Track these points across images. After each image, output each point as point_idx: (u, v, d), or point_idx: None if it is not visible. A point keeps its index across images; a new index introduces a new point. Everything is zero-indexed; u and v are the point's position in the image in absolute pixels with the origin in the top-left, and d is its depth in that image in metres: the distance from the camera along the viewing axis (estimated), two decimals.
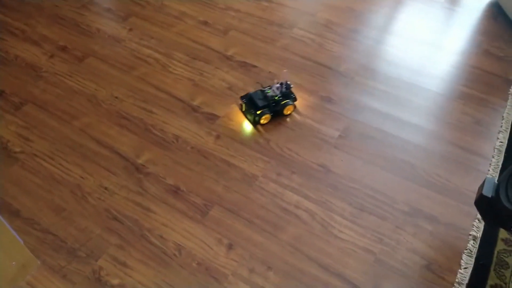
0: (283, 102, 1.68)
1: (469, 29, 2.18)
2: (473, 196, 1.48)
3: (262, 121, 1.67)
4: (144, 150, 1.58)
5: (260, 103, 1.65)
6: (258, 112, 1.65)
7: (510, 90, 1.87)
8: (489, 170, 1.58)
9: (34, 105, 1.72)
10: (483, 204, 1.19)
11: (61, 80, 1.82)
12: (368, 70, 1.93)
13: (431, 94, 1.84)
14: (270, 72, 1.89)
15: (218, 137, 1.64)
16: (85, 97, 1.75)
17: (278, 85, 1.69)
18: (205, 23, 2.12)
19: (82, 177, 1.49)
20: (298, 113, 1.73)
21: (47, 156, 1.55)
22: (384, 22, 2.18)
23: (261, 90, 1.70)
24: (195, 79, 1.85)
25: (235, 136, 1.64)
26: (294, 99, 1.72)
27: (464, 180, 1.54)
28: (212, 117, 1.70)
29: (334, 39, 2.07)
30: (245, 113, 1.71)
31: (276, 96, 1.67)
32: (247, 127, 1.68)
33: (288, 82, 1.70)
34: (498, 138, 1.68)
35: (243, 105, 1.70)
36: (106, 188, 1.46)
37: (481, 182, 1.53)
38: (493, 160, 1.61)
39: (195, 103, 1.75)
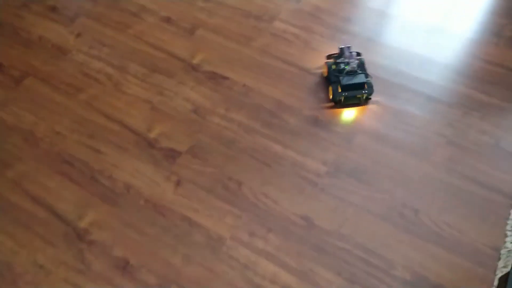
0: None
1: (485, 8, 1.78)
2: (491, 253, 1.20)
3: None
4: (88, 208, 1.31)
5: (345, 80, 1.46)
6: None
7: None
8: (510, 213, 1.28)
9: None
10: None
11: None
12: None
13: (438, 106, 1.50)
14: (244, 85, 1.56)
15: (178, 183, 1.35)
16: (21, 135, 1.46)
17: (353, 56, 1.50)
18: (168, 19, 1.77)
19: (13, 252, 1.24)
20: (279, 142, 1.42)
21: None
22: (383, 3, 1.79)
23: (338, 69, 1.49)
24: (153, 100, 1.53)
25: (199, 180, 1.35)
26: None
27: (479, 230, 1.25)
28: (172, 154, 1.41)
29: (322, 33, 1.71)
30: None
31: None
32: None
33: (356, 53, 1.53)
34: None
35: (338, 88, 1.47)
36: (41, 267, 1.21)
37: (500, 231, 1.24)
38: None
39: (152, 135, 1.45)
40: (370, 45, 1.65)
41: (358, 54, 1.55)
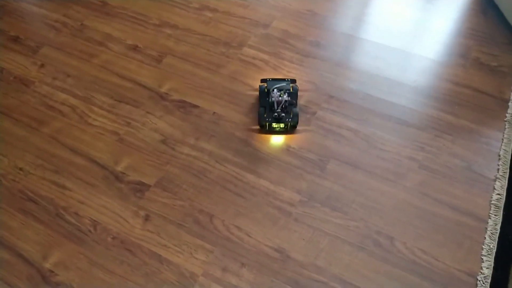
0: None
1: (452, 30, 1.80)
2: (467, 280, 1.19)
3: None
4: (53, 248, 1.25)
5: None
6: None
7: (507, 114, 1.53)
8: (485, 238, 1.27)
9: None
10: None
11: None
12: (333, 101, 1.57)
13: (409, 129, 1.50)
14: (214, 113, 1.54)
15: (147, 218, 1.30)
16: None
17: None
18: (135, 48, 1.73)
19: None
20: (251, 171, 1.40)
21: None
22: (351, 27, 1.80)
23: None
24: (120, 132, 1.49)
25: (169, 214, 1.31)
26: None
27: (455, 256, 1.24)
28: (141, 188, 1.36)
29: (291, 58, 1.70)
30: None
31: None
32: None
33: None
34: (494, 189, 1.36)
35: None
36: None
37: (475, 256, 1.24)
38: (490, 221, 1.30)
39: (119, 168, 1.41)
40: (339, 69, 1.65)
41: (293, 81, 1.55)
